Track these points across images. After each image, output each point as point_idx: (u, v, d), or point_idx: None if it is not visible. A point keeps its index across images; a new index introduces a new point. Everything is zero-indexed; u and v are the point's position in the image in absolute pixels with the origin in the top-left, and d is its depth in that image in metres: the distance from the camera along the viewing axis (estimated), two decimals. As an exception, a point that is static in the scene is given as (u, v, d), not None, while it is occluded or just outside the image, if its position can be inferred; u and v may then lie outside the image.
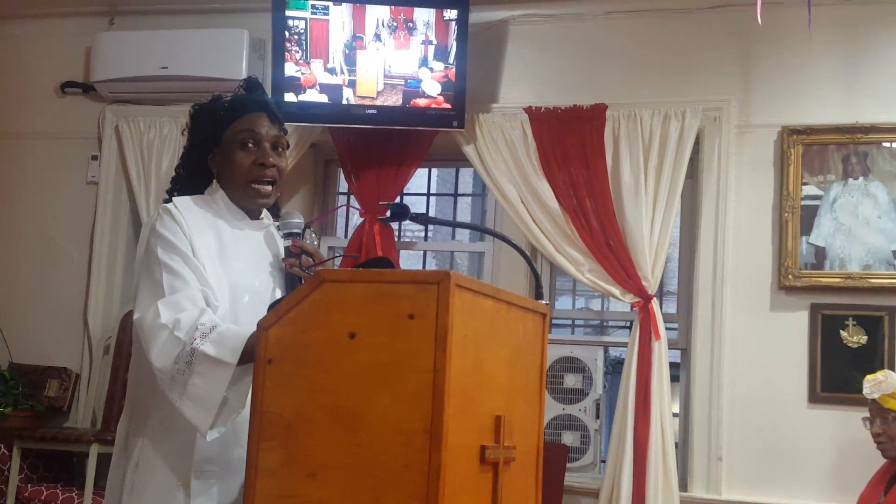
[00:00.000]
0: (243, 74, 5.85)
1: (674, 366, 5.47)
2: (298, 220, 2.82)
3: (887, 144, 5.32)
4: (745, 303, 5.42)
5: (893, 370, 4.85)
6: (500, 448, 2.26)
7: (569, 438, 5.67)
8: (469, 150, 5.75)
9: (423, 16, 5.61)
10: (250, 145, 2.73)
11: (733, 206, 5.48)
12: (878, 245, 5.26)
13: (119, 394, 5.78)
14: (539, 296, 2.99)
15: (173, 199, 2.68)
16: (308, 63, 5.64)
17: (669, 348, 5.43)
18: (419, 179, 6.57)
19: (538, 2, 5.88)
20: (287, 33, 5.62)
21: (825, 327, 5.28)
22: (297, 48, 5.63)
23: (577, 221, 5.50)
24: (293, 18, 5.62)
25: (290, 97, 5.63)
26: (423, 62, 5.62)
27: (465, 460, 2.13)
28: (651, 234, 5.39)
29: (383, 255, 5.57)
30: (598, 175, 5.49)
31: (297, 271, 2.75)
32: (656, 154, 5.44)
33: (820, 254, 5.33)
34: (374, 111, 5.64)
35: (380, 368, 2.07)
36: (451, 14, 5.59)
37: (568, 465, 5.44)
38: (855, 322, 5.26)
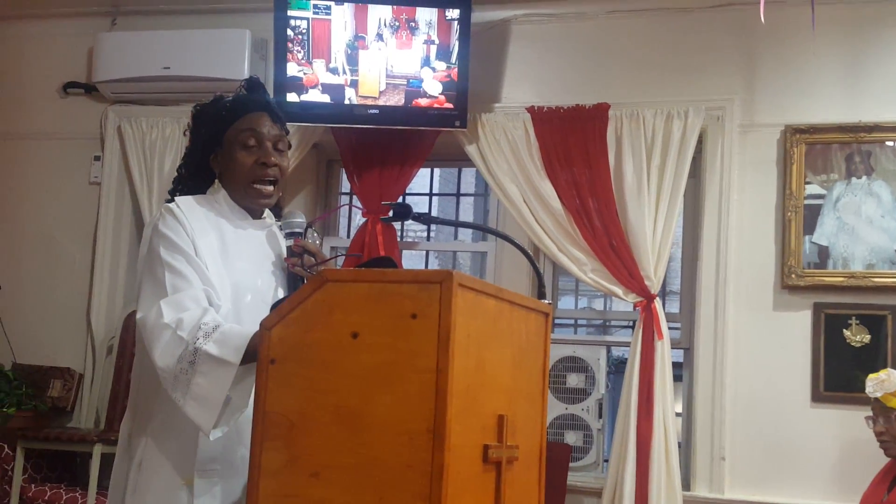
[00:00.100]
0: (245, 74, 5.83)
1: (676, 365, 5.46)
2: (300, 219, 2.82)
3: (890, 143, 5.31)
4: (747, 302, 5.42)
5: (896, 369, 4.84)
6: (502, 448, 2.26)
7: (572, 438, 5.67)
8: (471, 149, 5.74)
9: (426, 15, 5.61)
10: (252, 145, 2.73)
11: (736, 206, 5.48)
12: (881, 244, 5.26)
13: (122, 394, 5.78)
14: (542, 295, 2.98)
15: (175, 198, 2.69)
16: (310, 63, 5.64)
17: (672, 348, 5.43)
18: (421, 179, 6.57)
19: (540, 1, 5.88)
20: (289, 33, 5.62)
21: (828, 326, 5.28)
22: (300, 48, 5.63)
23: (579, 221, 5.50)
24: (295, 18, 5.62)
25: (292, 97, 5.63)
26: (426, 62, 5.62)
27: (467, 460, 2.13)
28: (654, 233, 5.38)
29: (386, 254, 5.57)
30: (600, 175, 5.49)
31: (299, 271, 2.75)
32: (659, 153, 5.44)
33: (823, 253, 5.32)
34: (376, 111, 5.64)
35: (382, 368, 2.07)
36: (454, 13, 5.59)
37: (571, 464, 5.44)
38: (858, 321, 5.25)
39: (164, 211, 2.62)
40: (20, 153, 6.58)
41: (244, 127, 2.74)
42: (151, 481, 2.55)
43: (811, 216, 5.35)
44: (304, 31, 5.62)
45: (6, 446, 5.72)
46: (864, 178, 5.33)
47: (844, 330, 5.26)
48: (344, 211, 6.54)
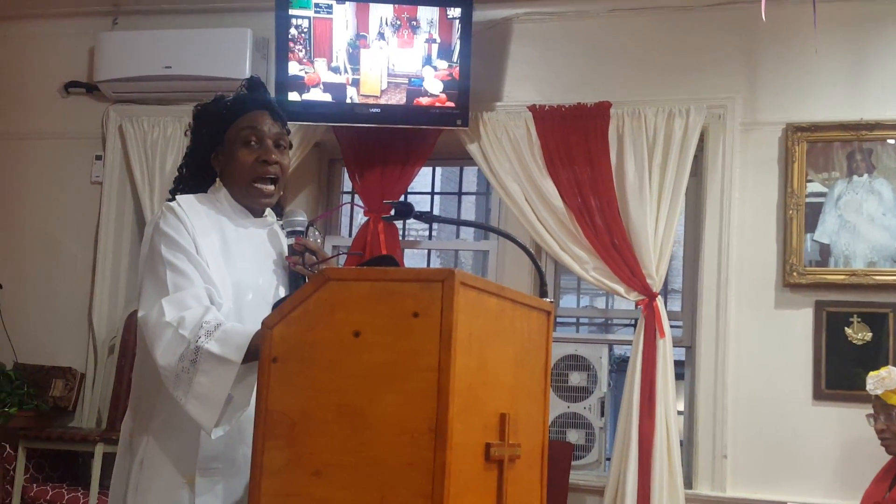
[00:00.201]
0: (247, 74, 5.83)
1: (678, 363, 5.46)
2: (302, 218, 2.82)
3: (892, 141, 5.31)
4: (749, 300, 5.42)
5: (898, 367, 4.84)
6: (504, 446, 2.26)
7: (574, 436, 5.67)
8: (473, 148, 5.74)
9: (427, 14, 5.61)
10: (253, 142, 2.73)
11: (738, 204, 5.48)
12: (883, 242, 5.25)
13: (124, 393, 5.78)
14: (543, 294, 2.98)
15: (177, 197, 2.69)
16: (311, 62, 5.64)
17: (674, 346, 5.43)
18: (423, 178, 6.57)
19: (541, 0, 5.88)
20: (291, 32, 5.62)
21: (830, 324, 5.28)
22: (301, 47, 5.63)
23: (581, 220, 5.50)
24: (297, 17, 5.62)
25: (293, 96, 5.63)
26: (427, 61, 5.61)
27: (469, 458, 2.13)
28: (655, 231, 5.38)
29: (388, 253, 5.57)
30: (602, 173, 5.49)
31: (300, 269, 2.75)
32: (660, 152, 5.43)
33: (824, 251, 5.32)
34: (377, 110, 5.64)
35: (384, 367, 2.07)
36: (455, 12, 5.58)
37: (573, 462, 5.44)
38: (859, 319, 5.25)
39: (166, 209, 2.63)
40: (21, 153, 6.58)
41: (245, 125, 2.74)
42: (153, 480, 2.56)
43: (812, 214, 5.35)
44: (305, 30, 5.62)
45: (8, 446, 5.72)
46: (866, 175, 5.33)
47: (846, 328, 5.26)
48: (346, 210, 6.54)
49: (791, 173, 5.39)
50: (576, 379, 5.74)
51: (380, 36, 5.62)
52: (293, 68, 5.63)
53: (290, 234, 2.81)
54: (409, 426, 2.03)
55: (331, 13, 5.62)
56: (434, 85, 5.60)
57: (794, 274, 5.32)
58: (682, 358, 5.68)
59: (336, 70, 5.64)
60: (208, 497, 2.52)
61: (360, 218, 6.03)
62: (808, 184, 5.38)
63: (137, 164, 6.20)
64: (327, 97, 5.65)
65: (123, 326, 6.05)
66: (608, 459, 5.65)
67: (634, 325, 5.52)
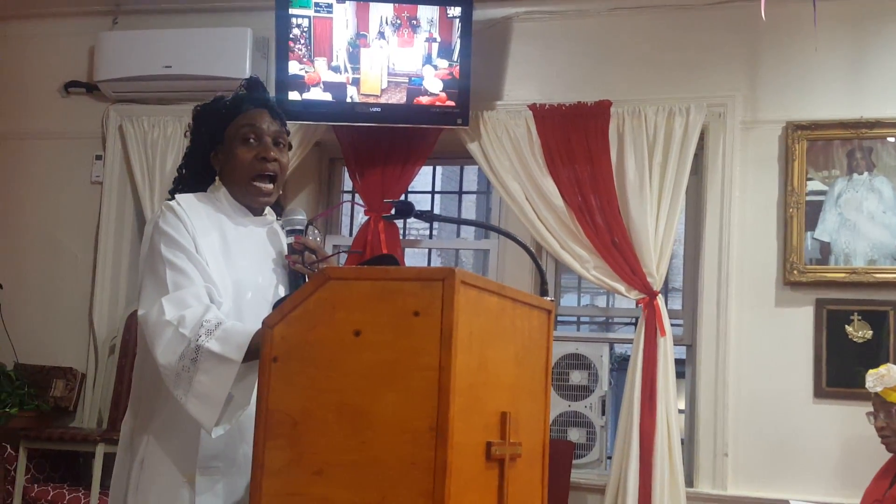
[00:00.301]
0: (247, 73, 5.85)
1: (679, 362, 5.46)
2: (301, 216, 2.83)
3: (892, 139, 5.31)
4: (750, 298, 5.42)
5: (898, 365, 4.84)
6: (505, 445, 2.26)
7: (575, 435, 5.67)
8: (473, 147, 5.74)
9: (427, 13, 5.61)
10: (252, 140, 2.74)
11: (738, 202, 5.48)
12: (883, 240, 5.26)
13: (125, 393, 5.78)
14: (544, 292, 2.98)
15: (176, 196, 2.69)
16: (312, 61, 5.64)
17: (675, 344, 5.43)
18: (424, 177, 6.57)
19: (542, -2, 5.90)
20: (291, 31, 5.62)
21: (830, 322, 5.28)
22: (301, 46, 5.62)
23: (581, 218, 5.50)
24: (297, 17, 5.62)
25: (294, 95, 5.63)
26: (427, 60, 5.61)
27: (471, 457, 2.13)
28: (656, 230, 5.38)
29: (388, 252, 5.57)
30: (602, 172, 5.49)
31: (299, 268, 2.75)
32: (661, 150, 5.43)
33: (825, 249, 5.32)
34: (378, 109, 5.64)
35: (385, 366, 2.07)
36: (455, 11, 5.58)
37: (574, 461, 5.44)
38: (860, 317, 5.25)
39: (165, 208, 2.63)
40: (22, 153, 6.58)
41: (244, 122, 2.75)
42: (153, 479, 2.56)
43: (813, 212, 5.35)
44: (305, 29, 5.62)
45: (9, 446, 5.73)
46: (866, 174, 5.33)
47: (846, 326, 5.26)
48: (346, 209, 6.54)
49: (791, 171, 5.39)
50: (577, 378, 5.74)
51: (380, 35, 5.62)
52: (293, 68, 5.63)
53: (289, 233, 2.81)
54: (410, 425, 2.03)
55: (331, 12, 5.62)
56: (434, 84, 5.60)
57: (795, 272, 5.32)
58: (683, 356, 5.68)
59: (336, 69, 5.64)
60: (208, 496, 2.52)
61: (361, 217, 6.03)
62: (809, 182, 5.38)
63: (138, 164, 6.20)
64: (327, 96, 5.65)
65: (124, 326, 6.06)
66: (609, 458, 5.66)
67: (635, 324, 5.52)
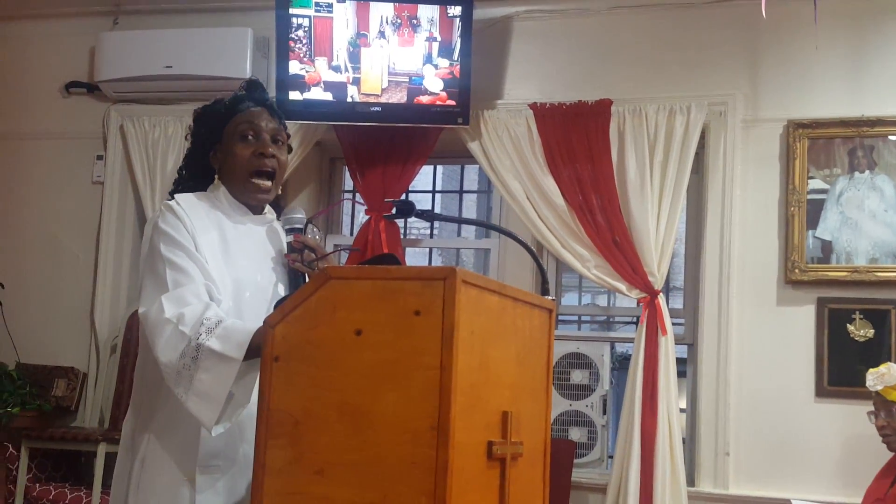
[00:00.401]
0: (247, 73, 5.86)
1: (680, 361, 5.46)
2: (300, 215, 2.83)
3: (893, 137, 5.31)
4: (751, 297, 5.42)
5: (900, 364, 4.84)
6: (507, 444, 2.26)
7: (576, 434, 5.67)
8: (474, 146, 5.74)
9: (427, 12, 5.61)
10: (250, 136, 2.75)
11: (739, 201, 5.48)
12: (885, 238, 5.25)
13: (126, 393, 5.78)
14: (545, 292, 2.98)
15: (175, 196, 2.70)
16: (312, 61, 5.63)
17: (676, 343, 5.44)
18: (424, 176, 6.58)
19: (542, -3, 5.89)
20: (291, 31, 5.62)
21: (832, 321, 5.28)
22: (302, 46, 5.62)
23: (582, 217, 5.50)
24: (297, 16, 5.62)
25: (294, 95, 5.63)
26: (428, 59, 5.61)
27: (472, 456, 2.13)
28: (657, 229, 5.38)
29: (389, 251, 5.57)
30: (603, 171, 5.49)
31: (299, 266, 2.75)
32: (662, 149, 5.43)
33: (826, 248, 5.32)
34: (378, 108, 5.64)
35: (386, 366, 2.07)
36: (455, 10, 5.58)
37: (575, 460, 5.44)
38: (861, 316, 5.25)
39: (164, 208, 2.64)
40: (23, 153, 6.58)
41: (242, 120, 2.76)
42: (154, 478, 2.56)
43: (814, 211, 5.35)
44: (306, 28, 5.62)
45: (11, 446, 5.73)
46: (867, 172, 5.33)
47: (848, 324, 5.26)
48: (347, 208, 6.54)
49: (792, 170, 5.39)
50: (578, 377, 5.74)
51: (380, 34, 5.62)
52: (294, 67, 5.63)
53: (288, 232, 2.81)
54: (411, 425, 2.03)
55: (331, 12, 5.62)
56: (435, 83, 5.60)
57: (796, 271, 5.32)
58: (685, 355, 5.68)
59: (337, 69, 5.64)
60: (209, 494, 2.52)
61: (362, 216, 6.03)
62: (810, 180, 5.38)
63: (138, 164, 6.21)
64: (328, 96, 5.65)
65: (125, 326, 6.06)
66: (610, 457, 5.66)
67: (636, 323, 5.52)
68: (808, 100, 5.45)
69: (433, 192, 6.91)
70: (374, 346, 2.08)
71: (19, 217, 6.53)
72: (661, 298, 5.39)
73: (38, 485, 5.63)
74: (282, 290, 2.73)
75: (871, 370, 4.54)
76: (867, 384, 4.53)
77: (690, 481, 5.35)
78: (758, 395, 5.35)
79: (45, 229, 6.47)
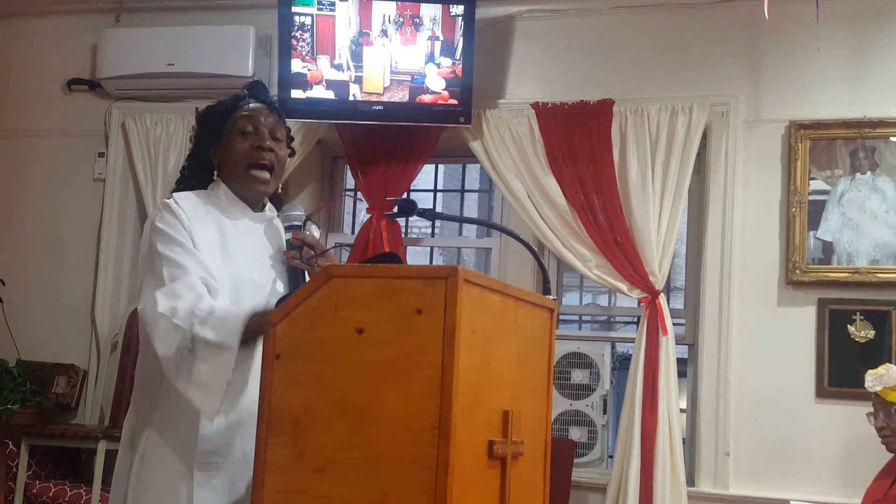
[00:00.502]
0: (250, 71, 5.86)
1: (681, 361, 5.46)
2: (299, 212, 2.85)
3: (895, 139, 5.31)
4: (752, 298, 5.42)
5: (901, 364, 4.84)
6: (507, 443, 2.26)
7: (576, 434, 5.67)
8: (476, 145, 5.74)
9: (430, 11, 5.61)
10: (249, 131, 2.77)
11: (741, 202, 5.48)
12: (886, 240, 5.25)
13: (127, 390, 5.78)
14: (546, 291, 2.98)
15: (174, 194, 2.72)
16: (314, 59, 5.63)
17: (677, 344, 5.44)
18: (426, 175, 6.58)
19: (544, -3, 5.89)
20: (294, 29, 5.62)
21: (832, 322, 5.28)
22: (304, 44, 5.62)
23: (584, 217, 5.50)
24: (299, 14, 5.61)
25: (296, 93, 5.63)
26: (430, 58, 5.61)
27: (473, 455, 2.13)
28: (658, 229, 5.38)
29: (390, 250, 5.57)
30: (605, 171, 5.49)
31: (298, 264, 2.75)
32: (663, 149, 5.43)
33: (827, 249, 5.32)
34: (380, 107, 5.64)
35: (388, 364, 2.07)
36: (458, 10, 5.58)
37: (575, 460, 5.44)
38: (862, 317, 5.25)
39: (161, 206, 2.67)
40: (24, 150, 6.58)
41: (241, 115, 2.79)
42: (153, 474, 2.58)
43: (815, 212, 5.35)
44: (308, 27, 5.62)
45: (11, 443, 5.73)
46: (869, 173, 5.32)
47: (849, 325, 5.26)
48: (348, 207, 6.53)
49: (794, 171, 5.39)
50: (578, 376, 5.74)
51: (383, 33, 5.62)
52: (296, 65, 5.63)
53: (287, 229, 2.82)
54: (412, 423, 2.03)
55: (333, 10, 5.62)
56: (437, 82, 5.60)
57: (797, 272, 5.32)
58: (685, 356, 5.68)
59: (339, 67, 5.64)
60: (205, 491, 2.53)
61: (363, 215, 6.03)
62: (811, 181, 5.38)
63: (140, 162, 6.20)
64: (330, 94, 5.64)
65: (126, 323, 6.06)
66: (610, 457, 5.66)
67: (637, 323, 5.52)
68: (809, 101, 5.45)
69: (434, 191, 6.91)
70: (376, 345, 2.08)
71: (20, 214, 6.53)
72: (662, 298, 5.39)
73: (37, 482, 5.63)
74: (280, 287, 2.73)
75: (869, 371, 4.55)
76: (866, 385, 4.53)
77: (690, 481, 5.35)
78: (758, 396, 5.35)
79: (46, 227, 6.47)
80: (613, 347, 6.06)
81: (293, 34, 5.62)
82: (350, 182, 6.36)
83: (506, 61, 5.90)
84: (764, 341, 5.37)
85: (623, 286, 5.44)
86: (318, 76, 5.63)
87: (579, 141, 5.57)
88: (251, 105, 2.81)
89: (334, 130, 5.93)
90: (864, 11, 5.43)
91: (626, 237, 5.42)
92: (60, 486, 5.57)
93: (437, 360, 2.03)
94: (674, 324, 5.42)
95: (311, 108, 5.67)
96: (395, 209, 3.16)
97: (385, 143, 5.82)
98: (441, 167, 6.82)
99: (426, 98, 5.61)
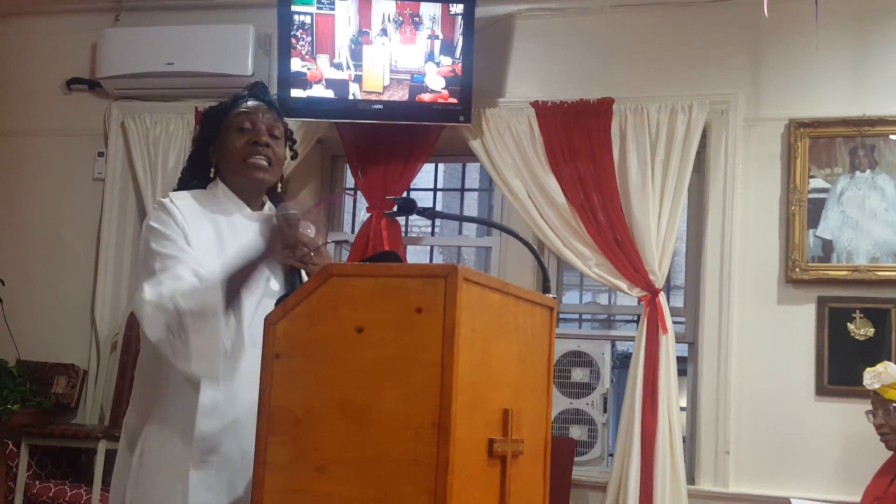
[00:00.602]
0: (249, 70, 5.86)
1: (681, 360, 5.46)
2: (295, 211, 2.84)
3: (894, 137, 5.31)
4: (752, 296, 5.42)
5: (900, 363, 4.84)
6: (507, 442, 2.26)
7: (576, 432, 5.67)
8: (476, 144, 5.74)
9: (429, 10, 5.61)
10: (246, 127, 2.78)
11: (740, 200, 5.48)
12: (886, 238, 5.25)
13: (126, 390, 5.77)
14: (546, 290, 2.98)
15: (170, 194, 2.74)
16: (314, 58, 5.63)
17: (677, 342, 5.44)
18: (426, 174, 6.57)
19: (544, -4, 5.89)
20: (293, 28, 5.62)
21: (832, 320, 5.28)
22: (304, 43, 5.62)
23: (584, 216, 5.50)
24: (299, 13, 5.61)
25: (296, 92, 5.63)
26: (430, 57, 5.61)
27: (473, 454, 2.13)
28: (658, 228, 5.38)
29: (390, 249, 5.57)
30: (604, 169, 5.49)
31: (293, 262, 2.75)
32: (663, 148, 5.43)
33: (827, 247, 5.32)
34: (380, 106, 5.64)
35: (388, 363, 2.07)
36: (457, 8, 5.58)
37: (575, 458, 5.44)
38: (862, 315, 5.25)
39: (156, 206, 2.70)
40: (24, 150, 6.58)
41: (240, 112, 2.80)
42: (151, 473, 2.58)
43: (815, 210, 5.35)
44: (307, 26, 5.61)
45: (11, 443, 5.73)
46: (868, 171, 5.33)
47: (848, 323, 5.26)
48: (348, 206, 6.53)
49: (794, 169, 5.39)
50: (578, 375, 5.74)
51: (382, 32, 5.62)
52: (295, 65, 5.63)
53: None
54: (412, 422, 2.03)
55: (333, 9, 5.62)
56: (436, 81, 5.60)
57: (797, 270, 5.32)
58: (685, 354, 5.68)
59: (338, 66, 5.64)
60: (201, 490, 2.53)
61: (363, 214, 6.03)
62: (811, 179, 5.38)
63: (140, 161, 6.20)
64: (330, 93, 5.64)
65: (126, 323, 6.06)
66: (611, 455, 5.66)
67: (637, 322, 5.52)
68: (809, 99, 5.45)
69: (434, 189, 6.91)
70: (376, 344, 2.08)
71: (20, 214, 6.53)
72: (662, 297, 5.39)
73: (37, 482, 5.63)
74: (274, 285, 2.73)
75: (868, 369, 4.55)
76: (865, 383, 4.53)
77: (690, 479, 5.36)
78: (758, 394, 5.35)
79: (45, 226, 6.47)
80: (613, 346, 6.07)
81: (293, 33, 5.62)
82: (350, 181, 6.36)
83: (505, 60, 5.90)
84: (764, 339, 5.38)
85: (623, 285, 5.44)
86: (318, 75, 5.63)
87: (579, 139, 5.57)
88: (249, 103, 2.83)
89: (334, 129, 5.93)
90: (863, 10, 5.43)
91: (626, 236, 5.42)
92: (60, 486, 5.57)
93: (437, 358, 2.03)
94: (674, 322, 5.42)
95: (311, 108, 5.67)
96: (395, 208, 3.16)
97: (385, 142, 5.82)
98: (441, 166, 6.82)
99: (426, 97, 5.61)
